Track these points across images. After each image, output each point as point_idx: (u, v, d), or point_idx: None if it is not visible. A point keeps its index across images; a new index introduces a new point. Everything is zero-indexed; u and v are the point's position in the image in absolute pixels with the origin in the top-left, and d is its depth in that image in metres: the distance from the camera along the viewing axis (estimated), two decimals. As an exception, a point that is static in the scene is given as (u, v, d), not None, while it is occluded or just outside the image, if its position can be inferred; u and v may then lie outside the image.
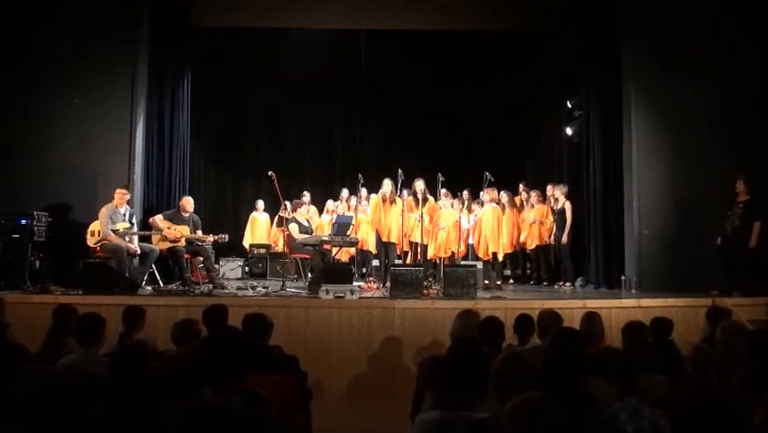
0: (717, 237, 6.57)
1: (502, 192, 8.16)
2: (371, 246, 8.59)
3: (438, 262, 7.95)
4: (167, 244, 6.88)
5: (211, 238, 7.13)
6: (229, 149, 11.09)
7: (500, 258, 8.05)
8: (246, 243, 9.88)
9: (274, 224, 9.79)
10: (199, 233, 7.20)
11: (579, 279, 8.06)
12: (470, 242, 8.33)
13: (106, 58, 7.24)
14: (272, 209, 9.70)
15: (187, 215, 7.13)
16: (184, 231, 6.99)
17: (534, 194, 8.40)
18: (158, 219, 7.00)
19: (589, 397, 2.28)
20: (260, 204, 10.09)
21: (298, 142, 11.30)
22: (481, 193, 8.35)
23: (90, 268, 6.02)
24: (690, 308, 5.74)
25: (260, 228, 10.01)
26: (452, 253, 7.99)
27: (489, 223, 7.97)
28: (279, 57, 10.11)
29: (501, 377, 2.27)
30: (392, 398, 4.88)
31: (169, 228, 6.91)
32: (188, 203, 7.19)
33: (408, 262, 7.94)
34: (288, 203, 8.10)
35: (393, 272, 6.09)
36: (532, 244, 8.38)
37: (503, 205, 8.13)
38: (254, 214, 10.11)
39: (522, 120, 10.53)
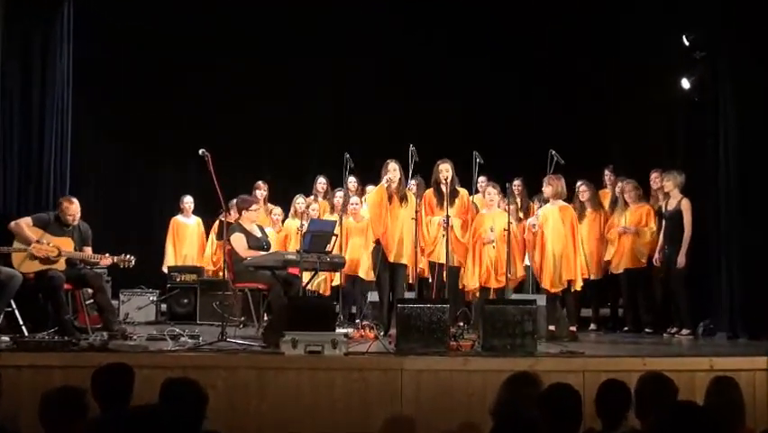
0: None
1: (580, 183, 8.14)
2: (366, 270, 8.59)
3: (476, 296, 7.93)
4: (36, 266, 6.90)
5: (108, 260, 7.18)
6: (137, 113, 11.07)
7: (577, 287, 7.93)
8: (167, 264, 9.92)
9: (212, 234, 9.79)
10: (88, 250, 7.23)
11: (702, 323, 8.07)
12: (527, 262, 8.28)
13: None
14: (209, 211, 9.70)
15: (72, 223, 7.18)
16: (64, 246, 7.01)
17: (629, 186, 8.39)
18: (23, 225, 7.04)
19: None
20: (188, 202, 10.14)
21: (248, 102, 11.26)
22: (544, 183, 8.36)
23: None
24: None
25: (188, 241, 10.08)
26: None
27: (557, 231, 7.88)
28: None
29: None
30: None
31: (39, 241, 6.92)
32: (74, 206, 7.24)
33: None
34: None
35: (401, 312, 6.09)
36: (621, 267, 8.39)
37: (580, 202, 8.11)
38: (178, 218, 10.17)
39: (606, 69, 10.54)
